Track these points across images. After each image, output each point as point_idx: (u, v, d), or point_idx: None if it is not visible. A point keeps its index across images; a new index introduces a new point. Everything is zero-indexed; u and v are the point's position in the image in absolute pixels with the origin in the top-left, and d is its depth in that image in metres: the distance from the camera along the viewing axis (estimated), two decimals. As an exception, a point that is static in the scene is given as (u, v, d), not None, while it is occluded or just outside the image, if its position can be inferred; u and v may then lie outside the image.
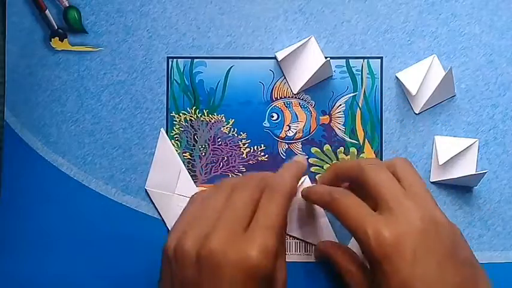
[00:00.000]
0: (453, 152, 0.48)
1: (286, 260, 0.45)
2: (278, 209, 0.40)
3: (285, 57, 0.49)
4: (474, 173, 0.48)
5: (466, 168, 0.49)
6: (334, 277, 0.49)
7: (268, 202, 0.41)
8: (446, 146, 0.48)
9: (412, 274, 0.38)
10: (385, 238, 0.38)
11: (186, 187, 0.49)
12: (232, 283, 0.37)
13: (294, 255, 0.49)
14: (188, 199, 0.45)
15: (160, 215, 0.49)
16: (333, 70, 0.50)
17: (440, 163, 0.48)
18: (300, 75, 0.49)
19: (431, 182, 0.49)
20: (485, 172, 0.47)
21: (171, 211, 0.49)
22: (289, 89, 0.50)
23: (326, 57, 0.49)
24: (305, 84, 0.49)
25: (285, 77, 0.50)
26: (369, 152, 0.50)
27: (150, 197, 0.49)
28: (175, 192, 0.49)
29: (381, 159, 0.50)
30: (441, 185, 0.49)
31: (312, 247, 0.49)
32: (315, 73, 0.48)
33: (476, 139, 0.49)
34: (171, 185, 0.49)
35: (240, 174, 0.50)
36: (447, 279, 0.38)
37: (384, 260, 0.38)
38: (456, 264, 0.39)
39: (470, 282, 0.39)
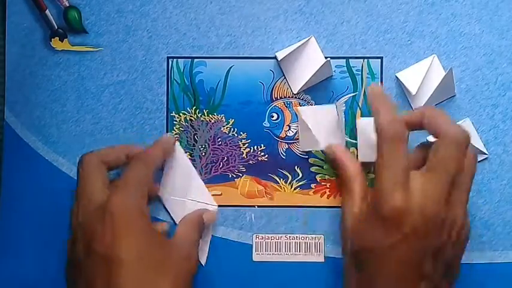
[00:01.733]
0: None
1: (285, 260, 0.46)
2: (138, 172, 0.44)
3: (285, 57, 0.49)
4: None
5: None
6: (331, 277, 0.49)
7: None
8: None
9: None
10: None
11: (199, 192, 0.49)
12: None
13: (287, 255, 0.49)
14: (201, 204, 0.49)
15: (173, 220, 0.49)
16: (333, 70, 0.50)
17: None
18: (300, 75, 0.49)
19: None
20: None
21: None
22: (289, 89, 0.50)
23: (326, 57, 0.49)
24: (305, 84, 0.49)
25: (285, 77, 0.50)
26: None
27: (163, 203, 0.49)
28: (188, 198, 0.49)
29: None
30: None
31: (303, 247, 0.49)
32: (315, 73, 0.48)
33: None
34: (183, 191, 0.49)
35: (240, 174, 0.50)
36: None
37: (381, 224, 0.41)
38: None
39: None
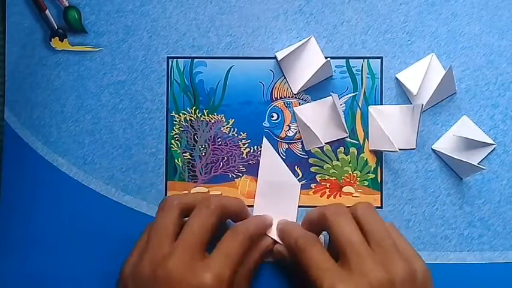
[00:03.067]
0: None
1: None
2: (239, 245, 0.42)
3: (285, 57, 0.49)
4: (474, 164, 0.48)
5: (473, 156, 0.49)
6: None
7: (231, 239, 0.43)
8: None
9: None
10: None
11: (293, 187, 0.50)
12: None
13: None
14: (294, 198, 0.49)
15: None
16: (333, 70, 0.50)
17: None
18: (300, 75, 0.49)
19: (433, 149, 0.49)
20: (484, 168, 0.47)
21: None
22: (289, 89, 0.50)
23: (326, 57, 0.49)
24: (305, 84, 0.49)
25: (285, 77, 0.50)
26: (368, 152, 0.50)
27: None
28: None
29: (381, 160, 0.50)
30: (441, 184, 0.49)
31: None
32: (315, 73, 0.48)
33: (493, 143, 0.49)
34: (279, 189, 0.49)
35: (240, 174, 0.50)
36: None
37: None
38: None
39: None
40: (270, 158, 0.49)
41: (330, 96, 0.49)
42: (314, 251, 0.42)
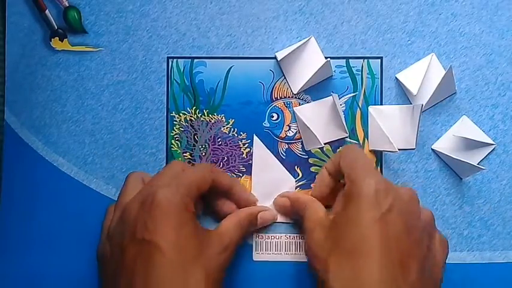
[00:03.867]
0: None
1: (285, 260, 0.46)
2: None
3: (285, 57, 0.49)
4: (474, 164, 0.48)
5: (473, 156, 0.49)
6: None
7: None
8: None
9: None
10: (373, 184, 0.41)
11: (287, 183, 0.50)
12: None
13: (288, 254, 0.49)
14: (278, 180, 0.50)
15: None
16: (333, 70, 0.50)
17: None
18: (300, 75, 0.49)
19: (432, 149, 0.49)
20: (483, 168, 0.47)
21: None
22: (289, 89, 0.50)
23: (326, 58, 0.49)
24: (305, 84, 0.49)
25: (285, 77, 0.50)
26: (368, 152, 0.50)
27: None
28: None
29: (381, 160, 0.50)
30: (441, 184, 0.49)
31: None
32: (315, 73, 0.48)
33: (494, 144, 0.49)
34: (274, 185, 0.50)
35: (240, 174, 0.50)
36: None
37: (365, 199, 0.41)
38: None
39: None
40: (262, 156, 0.49)
41: (330, 97, 0.49)
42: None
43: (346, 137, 0.49)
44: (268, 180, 0.49)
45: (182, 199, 0.42)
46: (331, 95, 0.48)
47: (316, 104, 0.50)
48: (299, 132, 0.50)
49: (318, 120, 0.49)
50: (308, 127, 0.48)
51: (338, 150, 0.49)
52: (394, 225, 0.40)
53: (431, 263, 0.42)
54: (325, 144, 0.49)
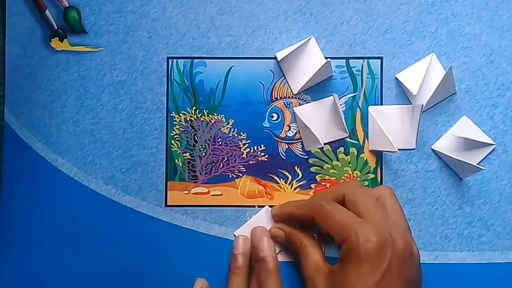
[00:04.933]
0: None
1: (285, 260, 0.46)
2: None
3: (285, 57, 0.49)
4: (474, 164, 0.48)
5: (473, 156, 0.49)
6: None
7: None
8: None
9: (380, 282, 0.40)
10: (372, 242, 0.41)
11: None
12: None
13: (288, 255, 0.49)
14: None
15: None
16: (333, 70, 0.50)
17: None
18: (300, 76, 0.49)
19: (432, 149, 0.49)
20: (483, 169, 0.47)
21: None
22: (289, 89, 0.50)
23: (326, 58, 0.49)
24: (305, 84, 0.49)
25: (285, 77, 0.50)
26: (368, 153, 0.50)
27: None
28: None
29: (381, 160, 0.50)
30: (441, 184, 0.49)
31: None
32: (315, 73, 0.48)
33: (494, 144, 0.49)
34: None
35: (240, 175, 0.50)
36: None
37: (365, 261, 0.41)
38: None
39: None
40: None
41: (330, 97, 0.49)
42: (337, 206, 0.44)
43: (346, 137, 0.49)
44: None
45: None
46: (332, 95, 0.48)
47: (316, 104, 0.50)
48: (299, 132, 0.50)
49: (318, 120, 0.49)
50: (308, 127, 0.48)
51: (305, 203, 0.48)
52: (394, 283, 0.41)
53: None
54: (325, 144, 0.49)
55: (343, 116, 0.49)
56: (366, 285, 0.40)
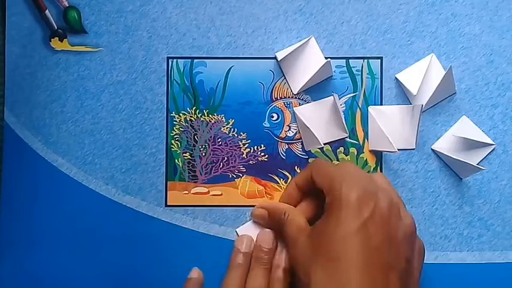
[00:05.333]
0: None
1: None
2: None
3: (285, 57, 0.49)
4: (474, 164, 0.48)
5: (473, 156, 0.49)
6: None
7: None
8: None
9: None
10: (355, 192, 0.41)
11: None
12: None
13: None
14: None
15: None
16: (333, 70, 0.50)
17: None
18: (300, 76, 0.49)
19: (432, 149, 0.49)
20: (483, 169, 0.47)
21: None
22: (289, 89, 0.50)
23: (326, 58, 0.49)
24: (305, 84, 0.49)
25: (285, 77, 0.50)
26: (368, 153, 0.50)
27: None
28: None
29: (381, 160, 0.50)
30: (441, 184, 0.49)
31: None
32: (315, 73, 0.48)
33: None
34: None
35: (240, 175, 0.50)
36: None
37: (345, 208, 0.41)
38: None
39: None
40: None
41: (330, 97, 0.49)
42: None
43: (346, 137, 0.49)
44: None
45: None
46: (332, 95, 0.48)
47: (316, 104, 0.50)
48: (299, 132, 0.50)
49: (318, 120, 0.49)
50: (308, 127, 0.48)
51: (308, 164, 0.49)
52: (375, 236, 0.40)
53: (409, 275, 0.42)
54: (325, 144, 0.49)
55: (343, 116, 0.49)
56: (345, 232, 0.40)
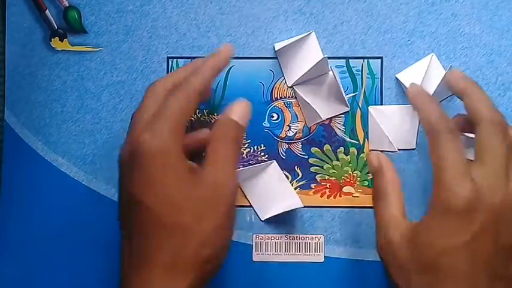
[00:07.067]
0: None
1: (285, 260, 0.46)
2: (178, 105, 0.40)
3: (283, 48, 0.48)
4: None
5: (473, 156, 0.49)
6: (331, 277, 0.49)
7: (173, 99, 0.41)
8: None
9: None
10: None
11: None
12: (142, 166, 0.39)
13: (288, 255, 0.49)
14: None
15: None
16: (333, 70, 0.49)
17: None
18: (296, 69, 0.49)
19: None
20: None
21: None
22: (289, 89, 0.50)
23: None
24: (300, 78, 0.49)
25: (281, 69, 0.50)
26: (368, 152, 0.50)
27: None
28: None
29: (381, 159, 0.50)
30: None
31: (300, 246, 0.49)
32: (310, 69, 0.47)
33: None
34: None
35: (240, 174, 0.50)
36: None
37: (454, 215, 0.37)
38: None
39: None
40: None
41: (329, 72, 0.49)
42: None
43: (347, 111, 0.49)
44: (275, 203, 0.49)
45: (170, 144, 0.39)
46: (331, 69, 0.48)
47: (314, 81, 0.49)
48: (299, 132, 0.50)
49: (318, 96, 0.49)
50: (308, 103, 0.48)
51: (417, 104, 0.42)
52: (485, 247, 0.37)
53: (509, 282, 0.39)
54: (327, 119, 0.49)
55: (343, 90, 0.48)
56: (452, 245, 0.37)
